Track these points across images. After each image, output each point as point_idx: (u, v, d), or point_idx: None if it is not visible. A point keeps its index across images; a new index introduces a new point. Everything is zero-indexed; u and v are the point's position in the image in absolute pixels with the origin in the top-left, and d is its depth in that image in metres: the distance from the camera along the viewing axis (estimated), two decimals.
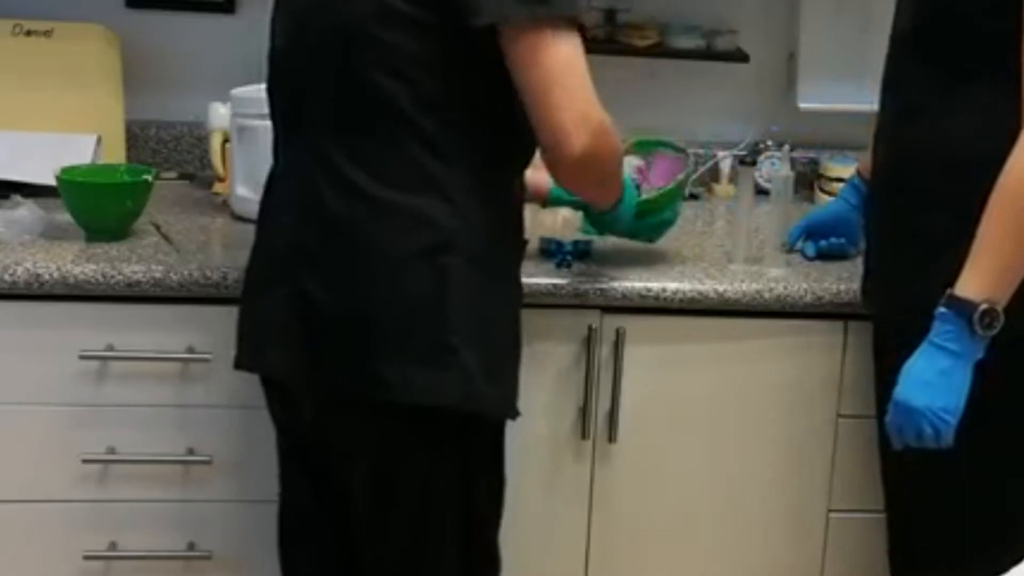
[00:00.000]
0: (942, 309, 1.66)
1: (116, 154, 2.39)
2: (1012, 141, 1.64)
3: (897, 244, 1.83)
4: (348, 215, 1.63)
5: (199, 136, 2.51)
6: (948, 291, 1.66)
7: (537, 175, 1.82)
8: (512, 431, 1.80)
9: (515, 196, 1.75)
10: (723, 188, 2.66)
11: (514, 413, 1.76)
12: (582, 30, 1.62)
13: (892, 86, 1.86)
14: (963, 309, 1.64)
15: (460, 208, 1.63)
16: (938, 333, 1.66)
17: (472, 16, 1.56)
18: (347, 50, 1.62)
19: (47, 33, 2.41)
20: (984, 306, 1.63)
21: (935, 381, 1.66)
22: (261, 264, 1.76)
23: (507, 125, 1.64)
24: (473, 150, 1.64)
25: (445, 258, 1.62)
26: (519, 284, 1.78)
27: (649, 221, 1.99)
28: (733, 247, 2.15)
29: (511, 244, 1.75)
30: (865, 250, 1.97)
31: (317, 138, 1.67)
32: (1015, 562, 1.16)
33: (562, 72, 1.58)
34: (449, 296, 1.63)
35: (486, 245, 1.66)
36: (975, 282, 1.65)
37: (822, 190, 2.61)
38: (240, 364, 1.79)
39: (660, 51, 2.58)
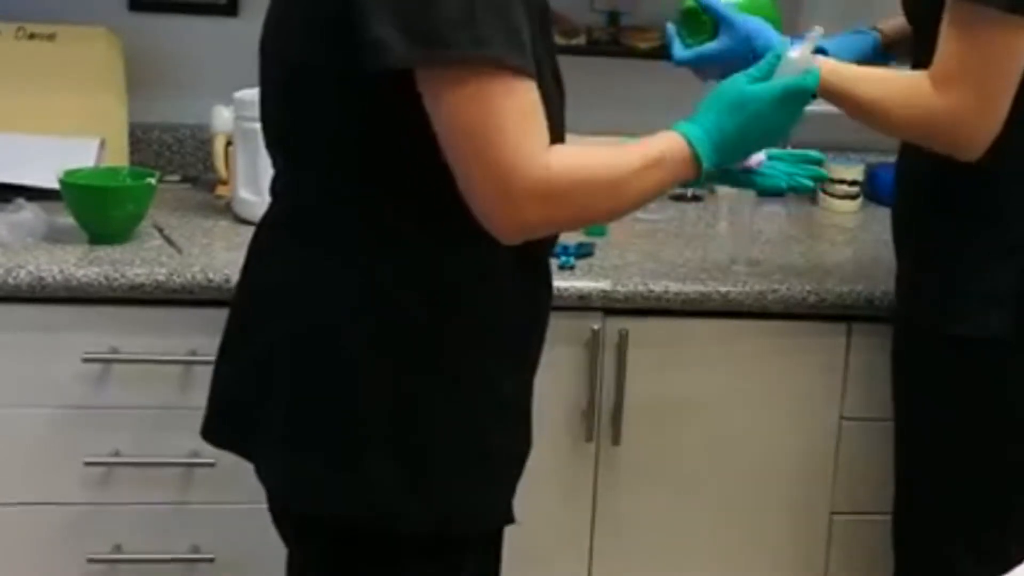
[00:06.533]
0: None
1: (119, 157, 2.39)
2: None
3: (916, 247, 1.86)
4: (271, 278, 1.49)
5: (202, 139, 2.51)
6: None
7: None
8: None
9: (475, 261, 1.42)
10: (725, 189, 2.65)
11: (461, 529, 1.46)
12: (521, 69, 1.30)
13: None
14: None
15: (390, 273, 1.40)
16: None
17: (364, 62, 1.28)
18: (280, 99, 1.46)
19: (50, 36, 2.41)
20: None
21: None
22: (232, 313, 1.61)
23: (439, 183, 1.35)
24: (401, 212, 1.39)
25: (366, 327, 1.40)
26: (502, 369, 1.53)
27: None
28: (735, 248, 2.15)
29: (467, 320, 1.44)
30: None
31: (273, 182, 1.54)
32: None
33: (470, 134, 1.29)
34: (362, 379, 1.40)
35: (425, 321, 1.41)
36: None
37: (823, 191, 2.61)
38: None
39: (663, 53, 2.58)
